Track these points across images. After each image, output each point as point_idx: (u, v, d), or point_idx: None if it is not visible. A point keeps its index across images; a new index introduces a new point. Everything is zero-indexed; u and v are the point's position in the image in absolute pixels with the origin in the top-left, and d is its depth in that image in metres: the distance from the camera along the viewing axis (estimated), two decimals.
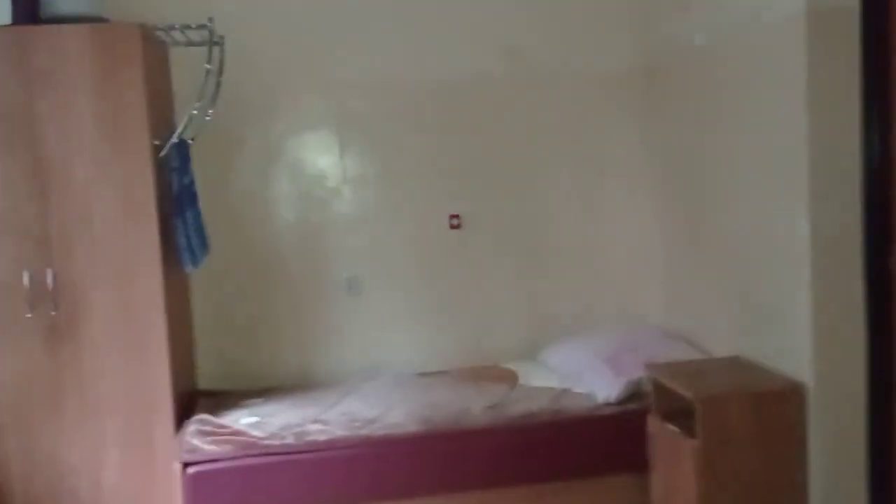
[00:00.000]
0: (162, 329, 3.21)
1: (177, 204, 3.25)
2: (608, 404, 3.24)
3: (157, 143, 3.23)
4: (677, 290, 3.84)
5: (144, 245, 3.18)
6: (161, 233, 3.21)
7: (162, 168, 3.26)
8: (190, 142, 3.52)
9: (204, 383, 3.82)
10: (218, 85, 3.53)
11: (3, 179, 3.09)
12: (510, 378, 3.68)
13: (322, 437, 3.09)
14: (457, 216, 3.97)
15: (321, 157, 3.90)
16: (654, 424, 3.05)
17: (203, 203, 3.57)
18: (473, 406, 3.27)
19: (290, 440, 3.08)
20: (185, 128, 3.25)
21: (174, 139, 3.23)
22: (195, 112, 3.24)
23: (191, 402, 3.54)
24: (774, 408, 2.71)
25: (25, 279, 3.09)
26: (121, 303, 3.19)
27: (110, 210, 3.16)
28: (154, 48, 3.37)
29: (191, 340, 3.79)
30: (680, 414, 2.91)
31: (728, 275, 3.28)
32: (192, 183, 3.36)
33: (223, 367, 3.84)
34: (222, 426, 3.17)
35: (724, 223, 3.30)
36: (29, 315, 3.11)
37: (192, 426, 3.17)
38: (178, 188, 3.25)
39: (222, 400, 3.59)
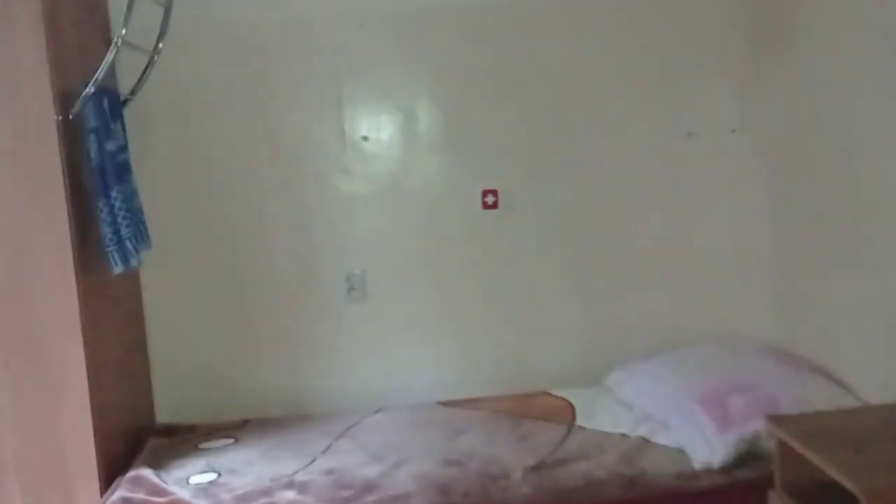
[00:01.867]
0: (78, 353, 2.31)
1: (97, 180, 2.33)
2: (709, 471, 2.24)
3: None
4: (796, 300, 2.80)
5: (50, 239, 2.27)
6: (76, 221, 2.30)
7: (77, 132, 2.34)
8: (127, 97, 2.62)
9: (165, 415, 2.93)
10: (166, 16, 2.60)
11: None
12: (564, 414, 2.71)
13: None
14: (493, 192, 2.98)
15: (313, 116, 2.93)
16: None
17: (153, 179, 2.69)
18: (512, 466, 2.30)
19: None
20: (103, 73, 2.30)
21: (88, 90, 2.29)
22: (117, 44, 2.29)
23: (139, 442, 2.67)
24: None
25: None
26: (22, 320, 2.30)
27: (1, 193, 2.26)
28: None
29: (143, 362, 2.90)
30: (819, 491, 1.91)
31: (886, 284, 2.23)
32: (120, 150, 2.43)
33: (187, 394, 2.94)
34: (159, 491, 2.27)
35: (879, 211, 2.25)
36: None
37: (118, 491, 2.27)
38: (97, 158, 2.33)
39: (180, 440, 2.71)
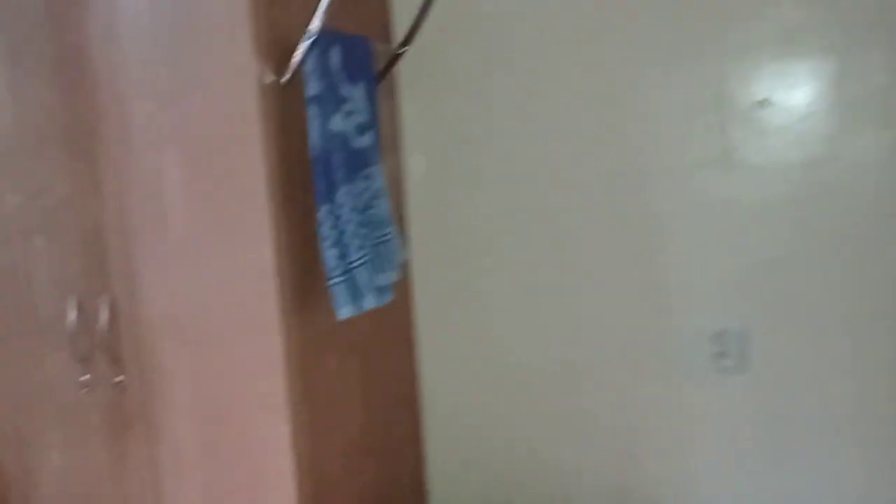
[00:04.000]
0: (281, 432, 1.54)
1: (317, 175, 1.52)
2: None
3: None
4: None
5: (248, 265, 1.52)
6: (286, 237, 1.53)
7: (300, 103, 1.55)
8: (396, 51, 1.80)
9: (440, 486, 2.11)
10: None
11: (20, 129, 1.67)
12: None
13: None
14: None
15: (671, 69, 1.81)
16: None
17: (428, 171, 1.84)
18: None
19: None
20: (326, 10, 1.46)
21: (307, 37, 1.48)
22: None
23: None
24: None
25: (71, 314, 1.67)
26: (212, 381, 1.60)
27: (188, 190, 1.56)
28: None
29: (412, 437, 2.09)
30: None
31: None
32: (359, 129, 1.58)
33: (473, 489, 2.07)
34: None
35: None
36: (85, 379, 1.70)
37: None
38: (319, 142, 1.51)
39: None
